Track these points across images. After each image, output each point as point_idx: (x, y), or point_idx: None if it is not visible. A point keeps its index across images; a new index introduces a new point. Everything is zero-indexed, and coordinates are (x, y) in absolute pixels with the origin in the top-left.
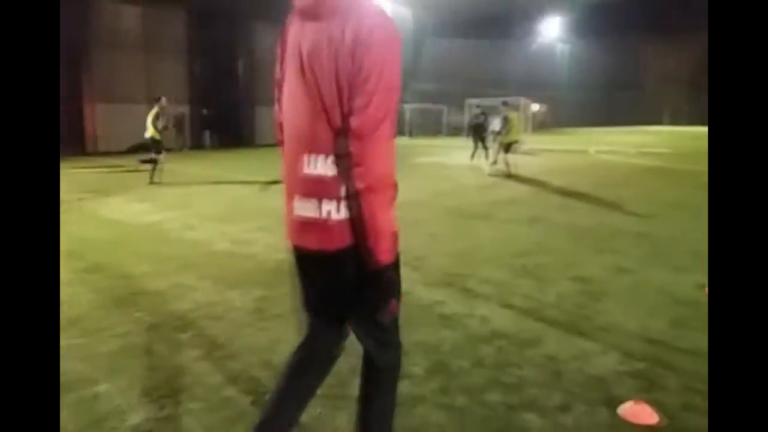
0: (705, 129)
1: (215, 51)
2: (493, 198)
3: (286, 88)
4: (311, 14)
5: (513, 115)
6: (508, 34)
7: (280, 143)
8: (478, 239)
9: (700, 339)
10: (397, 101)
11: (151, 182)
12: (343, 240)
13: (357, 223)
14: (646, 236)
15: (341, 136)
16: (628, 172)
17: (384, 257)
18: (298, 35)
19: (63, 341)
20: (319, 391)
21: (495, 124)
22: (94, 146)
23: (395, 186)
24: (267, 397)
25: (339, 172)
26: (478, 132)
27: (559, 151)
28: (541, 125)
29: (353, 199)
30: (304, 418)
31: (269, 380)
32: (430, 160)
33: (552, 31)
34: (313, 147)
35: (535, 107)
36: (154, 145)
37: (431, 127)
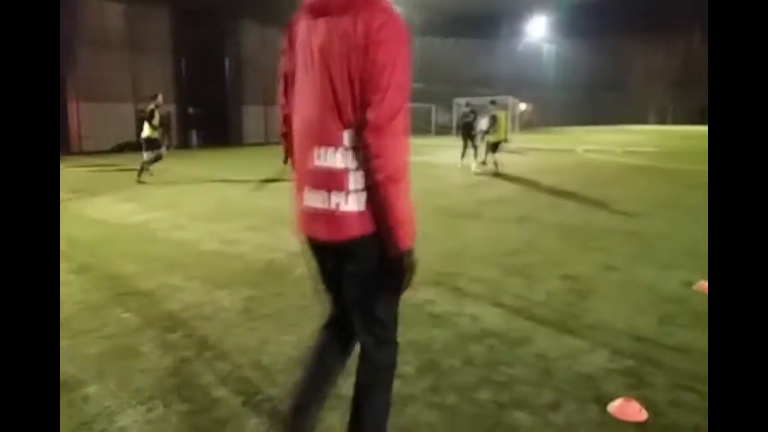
0: (691, 128)
1: (201, 50)
2: (482, 197)
3: (297, 84)
4: (323, 10)
5: (501, 114)
6: (495, 34)
7: (282, 136)
8: (467, 238)
9: (687, 336)
10: (407, 96)
11: (139, 181)
12: (351, 231)
13: (378, 212)
14: (635, 234)
15: (356, 129)
16: (616, 170)
17: (404, 243)
18: (308, 31)
19: None
20: None
21: (482, 123)
22: (78, 145)
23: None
24: (293, 380)
25: (356, 164)
26: (467, 131)
27: (546, 150)
28: (527, 124)
29: (373, 190)
30: None
31: (259, 381)
32: (419, 159)
33: (538, 31)
34: (323, 140)
35: (522, 106)
36: (150, 144)
37: (420, 126)
